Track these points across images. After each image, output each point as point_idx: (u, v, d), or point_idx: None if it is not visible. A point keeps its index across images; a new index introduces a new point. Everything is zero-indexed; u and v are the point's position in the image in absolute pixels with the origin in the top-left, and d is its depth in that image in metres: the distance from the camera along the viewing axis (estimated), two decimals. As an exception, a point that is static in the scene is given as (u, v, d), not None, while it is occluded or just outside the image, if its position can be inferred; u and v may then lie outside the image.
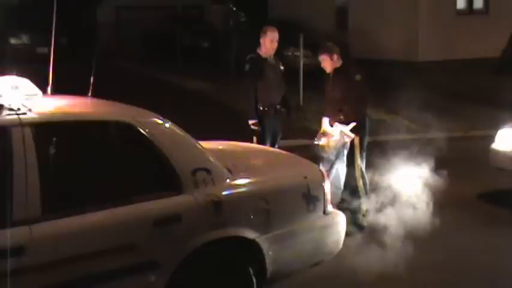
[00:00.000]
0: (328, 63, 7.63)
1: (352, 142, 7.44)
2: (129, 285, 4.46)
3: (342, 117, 7.44)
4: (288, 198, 5.27)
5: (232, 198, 4.92)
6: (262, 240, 4.95)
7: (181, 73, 19.98)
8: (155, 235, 4.51)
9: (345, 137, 7.34)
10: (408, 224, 7.15)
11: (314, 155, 7.43)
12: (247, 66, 8.02)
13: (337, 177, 7.43)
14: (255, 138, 7.84)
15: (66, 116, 4.61)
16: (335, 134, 7.42)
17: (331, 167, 7.35)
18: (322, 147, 7.49)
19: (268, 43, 8.00)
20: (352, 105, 7.44)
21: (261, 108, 7.91)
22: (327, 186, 5.51)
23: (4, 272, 3.94)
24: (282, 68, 8.19)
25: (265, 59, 8.03)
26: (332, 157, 7.41)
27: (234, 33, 21.01)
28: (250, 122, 7.89)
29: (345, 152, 7.39)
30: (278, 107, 8.03)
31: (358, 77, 7.52)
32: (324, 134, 7.56)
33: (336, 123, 7.44)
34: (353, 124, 7.37)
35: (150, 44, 25.17)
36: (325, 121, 7.60)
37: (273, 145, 7.88)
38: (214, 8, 28.68)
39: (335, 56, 7.59)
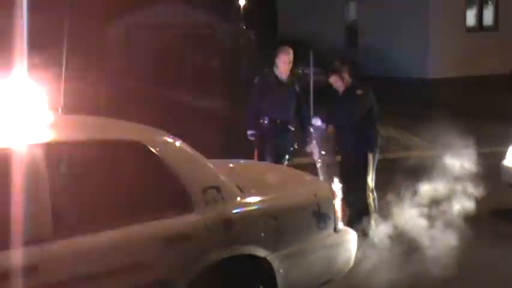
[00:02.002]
0: (339, 83, 7.56)
1: (365, 158, 7.38)
2: (140, 304, 4.45)
3: (336, 148, 7.49)
4: (298, 216, 5.27)
5: (243, 217, 4.92)
6: (272, 258, 4.95)
7: (191, 92, 20.01)
8: (166, 254, 4.51)
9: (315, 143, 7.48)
10: (419, 240, 7.12)
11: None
12: (256, 79, 8.20)
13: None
14: (256, 151, 7.92)
15: (77, 135, 4.64)
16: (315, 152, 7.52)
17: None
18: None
19: (282, 65, 8.15)
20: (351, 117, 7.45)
21: (261, 121, 8.03)
22: (337, 203, 5.51)
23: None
24: (297, 89, 8.28)
25: (276, 77, 8.14)
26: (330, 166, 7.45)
27: (244, 51, 21.08)
28: (249, 132, 8.05)
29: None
30: (279, 120, 8.05)
31: (359, 91, 7.47)
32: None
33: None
34: (318, 119, 7.45)
35: (160, 62, 25.26)
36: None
37: (278, 161, 7.89)
38: (225, 27, 28.80)
39: (346, 75, 7.53)
